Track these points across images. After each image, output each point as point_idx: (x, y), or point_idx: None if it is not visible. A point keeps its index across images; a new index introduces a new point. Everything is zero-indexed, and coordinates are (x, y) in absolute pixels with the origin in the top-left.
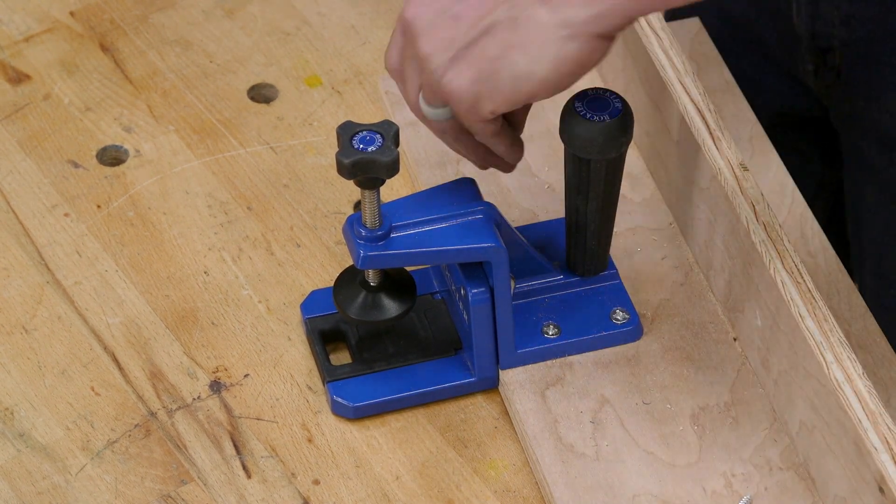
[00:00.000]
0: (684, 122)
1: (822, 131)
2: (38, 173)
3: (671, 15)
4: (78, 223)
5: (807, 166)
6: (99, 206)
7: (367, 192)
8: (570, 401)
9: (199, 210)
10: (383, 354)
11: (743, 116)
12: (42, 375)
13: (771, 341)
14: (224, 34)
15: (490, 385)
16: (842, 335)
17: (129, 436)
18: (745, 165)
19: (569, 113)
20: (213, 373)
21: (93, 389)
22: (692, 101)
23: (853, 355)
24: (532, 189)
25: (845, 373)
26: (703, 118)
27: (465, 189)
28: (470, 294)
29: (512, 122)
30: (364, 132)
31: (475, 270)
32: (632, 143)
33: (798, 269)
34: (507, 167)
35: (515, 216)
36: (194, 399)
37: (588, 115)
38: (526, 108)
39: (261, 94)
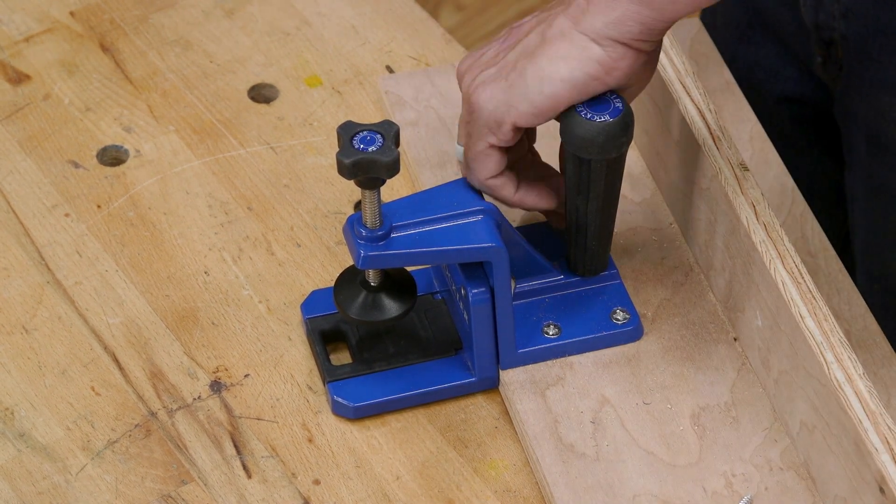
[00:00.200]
0: (684, 122)
1: (834, 125)
2: (38, 173)
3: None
4: (78, 223)
5: (819, 162)
6: (99, 206)
7: (367, 192)
8: (571, 401)
9: (199, 210)
10: (383, 354)
11: (743, 116)
12: (42, 375)
13: (771, 341)
14: (224, 34)
15: (490, 385)
16: (842, 335)
17: (130, 436)
18: (745, 165)
19: (569, 113)
20: (214, 373)
21: (93, 389)
22: (692, 101)
23: (853, 355)
24: None
25: (846, 373)
26: (703, 118)
27: (465, 189)
28: (470, 294)
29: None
30: (364, 132)
31: (475, 270)
32: (632, 143)
33: (798, 269)
34: (541, 203)
35: (515, 216)
36: (195, 399)
37: (588, 115)
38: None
39: (261, 94)
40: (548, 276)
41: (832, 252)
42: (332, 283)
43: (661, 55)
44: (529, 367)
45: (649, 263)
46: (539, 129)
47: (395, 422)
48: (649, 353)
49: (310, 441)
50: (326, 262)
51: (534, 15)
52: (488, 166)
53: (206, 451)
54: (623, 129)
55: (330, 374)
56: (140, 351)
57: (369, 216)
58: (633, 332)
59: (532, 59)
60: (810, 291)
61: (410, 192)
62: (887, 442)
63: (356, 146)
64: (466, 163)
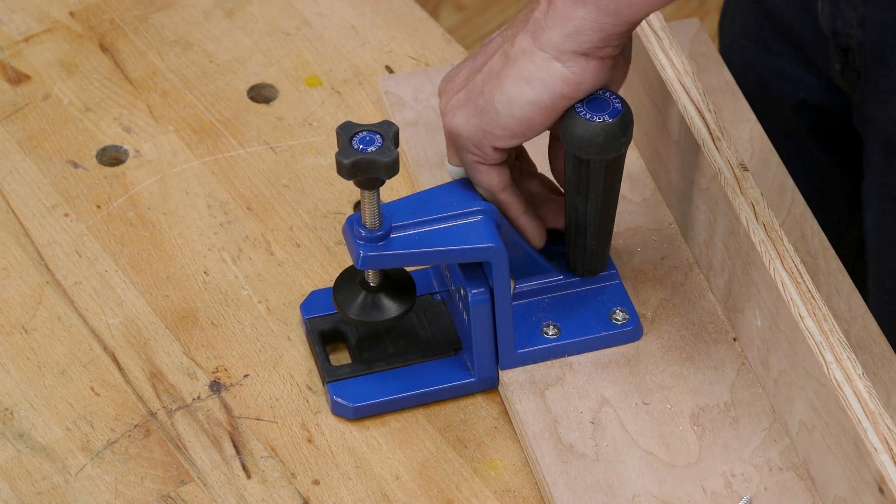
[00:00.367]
0: (684, 122)
1: (853, 134)
2: (38, 173)
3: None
4: (78, 223)
5: (836, 171)
6: (99, 206)
7: (366, 193)
8: (570, 401)
9: (198, 210)
10: (383, 355)
11: (743, 116)
12: (42, 375)
13: (771, 341)
14: (224, 34)
15: (490, 385)
16: (842, 335)
17: (129, 436)
18: (745, 165)
19: (569, 113)
20: (213, 373)
21: (93, 389)
22: (692, 101)
23: (853, 355)
24: None
25: (845, 373)
26: (703, 118)
27: (465, 189)
28: (470, 294)
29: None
30: (364, 132)
31: (475, 270)
32: (632, 143)
33: (798, 270)
34: (532, 239)
35: None
36: (194, 399)
37: (588, 116)
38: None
39: (261, 94)
40: (547, 277)
41: (832, 252)
42: (332, 284)
43: (661, 55)
44: (529, 367)
45: (649, 263)
46: None
47: (395, 422)
48: (649, 353)
49: (309, 441)
50: (326, 262)
51: (500, 31)
52: (491, 182)
53: (206, 452)
54: (622, 129)
55: (329, 375)
56: (139, 351)
57: (369, 216)
58: (632, 332)
59: (498, 82)
60: (810, 291)
61: (410, 193)
62: (886, 442)
63: (355, 146)
64: (474, 183)
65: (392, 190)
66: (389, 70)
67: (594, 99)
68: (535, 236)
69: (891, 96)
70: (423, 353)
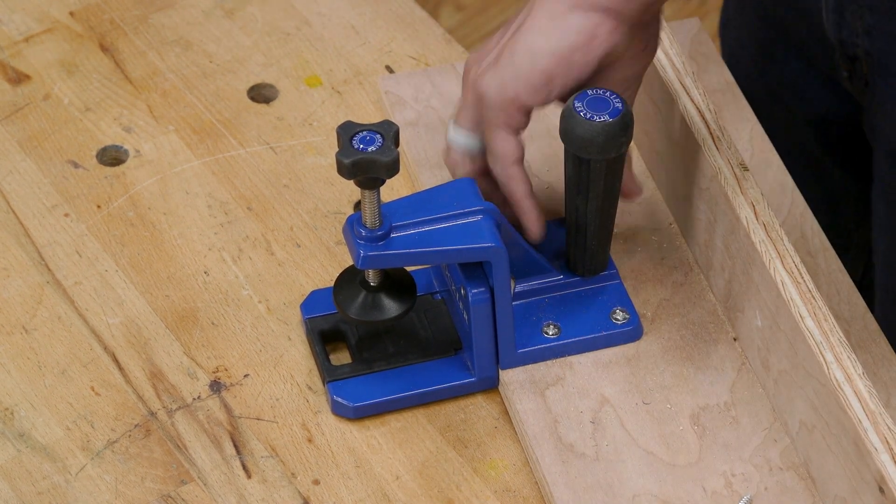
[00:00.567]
0: (684, 122)
1: (863, 143)
2: (38, 173)
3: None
4: (78, 223)
5: (846, 181)
6: (99, 206)
7: (367, 192)
8: (570, 401)
9: (199, 210)
10: (383, 354)
11: (743, 116)
12: (42, 375)
13: (771, 341)
14: (224, 34)
15: (490, 385)
16: (842, 335)
17: (129, 436)
18: (745, 165)
19: (569, 113)
20: (213, 373)
21: (93, 389)
22: (692, 101)
23: (853, 355)
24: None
25: (845, 373)
26: (703, 118)
27: (465, 189)
28: (470, 294)
29: None
30: (364, 132)
31: (475, 270)
32: (632, 143)
33: (798, 269)
34: (531, 226)
35: None
36: (194, 399)
37: (588, 115)
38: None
39: (261, 94)
40: (547, 276)
41: (832, 252)
42: (332, 283)
43: (661, 55)
44: (529, 366)
45: (649, 263)
46: (539, 129)
47: (395, 422)
48: (649, 353)
49: (309, 441)
50: (326, 262)
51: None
52: (507, 150)
53: (206, 451)
54: (623, 129)
55: (329, 374)
56: (140, 351)
57: (369, 216)
58: (632, 332)
59: (519, 35)
60: (810, 291)
61: (410, 192)
62: (887, 442)
63: (356, 146)
64: (489, 151)
65: (392, 190)
66: (389, 70)
67: (594, 99)
68: (534, 224)
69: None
70: (424, 353)
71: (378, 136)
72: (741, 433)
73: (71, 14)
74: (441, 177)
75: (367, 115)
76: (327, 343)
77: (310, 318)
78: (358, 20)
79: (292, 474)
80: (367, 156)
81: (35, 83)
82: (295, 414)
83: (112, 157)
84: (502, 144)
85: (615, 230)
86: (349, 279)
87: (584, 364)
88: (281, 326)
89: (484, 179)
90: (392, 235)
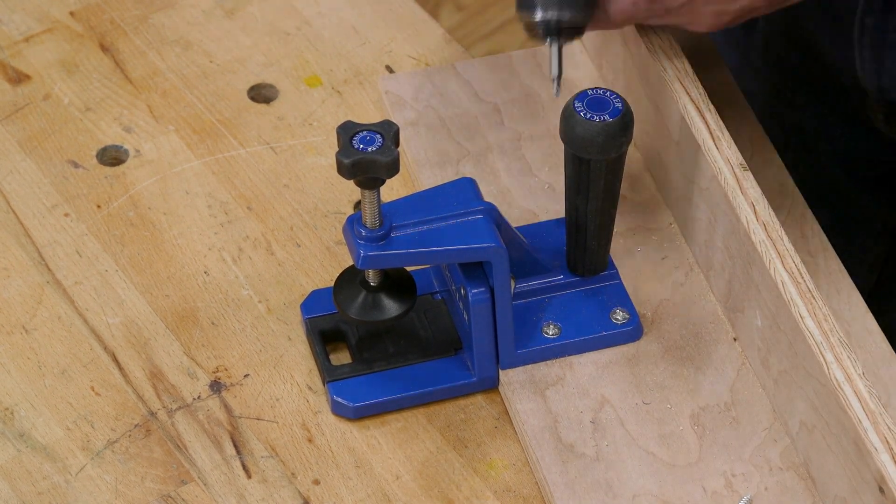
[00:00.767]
0: (684, 122)
1: (889, 177)
2: (38, 173)
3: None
4: (78, 223)
5: (872, 213)
6: (99, 206)
7: (367, 192)
8: (570, 401)
9: (199, 210)
10: (383, 354)
11: (743, 116)
12: (42, 375)
13: (771, 341)
14: (224, 34)
15: (490, 385)
16: (842, 335)
17: (129, 436)
18: (745, 165)
19: (569, 113)
20: (213, 373)
21: (93, 389)
22: (692, 101)
23: (853, 355)
24: (532, 189)
25: (845, 373)
26: (703, 118)
27: (465, 189)
28: (470, 294)
29: None
30: (364, 132)
31: (475, 270)
32: (632, 143)
33: (798, 269)
34: None
35: (515, 216)
36: (194, 399)
37: (588, 115)
38: None
39: (261, 94)
40: (547, 276)
41: (832, 252)
42: (332, 283)
43: (661, 55)
44: (529, 366)
45: (649, 263)
46: (539, 129)
47: (395, 422)
48: (649, 353)
49: (309, 441)
50: (326, 262)
51: None
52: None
53: (206, 451)
54: (623, 129)
55: (329, 374)
56: (140, 351)
57: (369, 216)
58: (632, 332)
59: None
60: (810, 291)
61: (410, 192)
62: (886, 442)
63: (356, 146)
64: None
65: (392, 190)
66: (389, 70)
67: (594, 99)
68: None
69: None
70: (424, 353)
71: (378, 136)
72: (741, 433)
73: (71, 14)
74: (441, 177)
75: (367, 115)
76: (327, 343)
77: (310, 318)
78: (358, 20)
79: (292, 474)
80: (367, 156)
81: (35, 83)
82: (295, 414)
83: (112, 157)
84: None
85: (615, 230)
86: (349, 279)
87: (584, 364)
88: (281, 326)
89: None
90: (392, 235)
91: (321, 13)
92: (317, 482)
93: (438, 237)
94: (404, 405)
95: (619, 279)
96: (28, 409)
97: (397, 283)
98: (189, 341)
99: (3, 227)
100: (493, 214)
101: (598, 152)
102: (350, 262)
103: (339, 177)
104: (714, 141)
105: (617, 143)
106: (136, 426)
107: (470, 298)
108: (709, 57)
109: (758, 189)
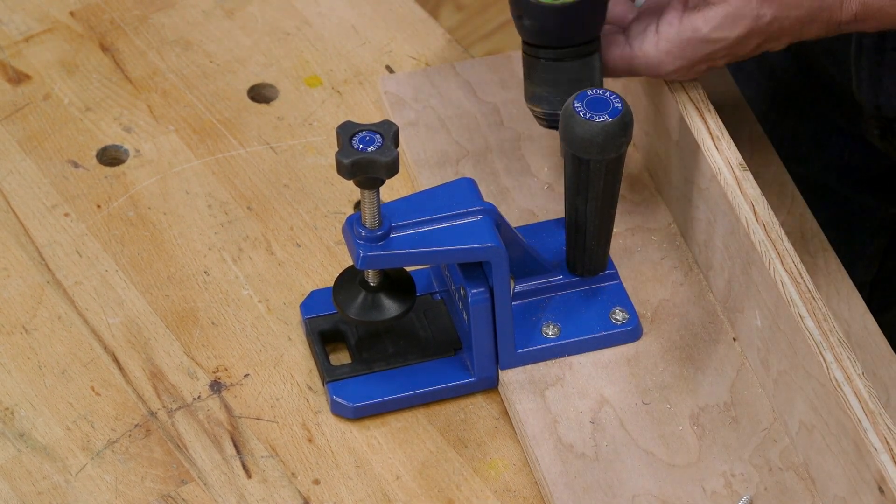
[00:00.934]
0: (684, 122)
1: (886, 175)
2: (38, 173)
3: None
4: (78, 223)
5: (870, 208)
6: (99, 206)
7: (366, 192)
8: (570, 401)
9: (199, 210)
10: (383, 354)
11: (743, 116)
12: (42, 375)
13: (771, 341)
14: (224, 34)
15: (490, 385)
16: (842, 335)
17: (130, 436)
18: (744, 165)
19: (569, 113)
20: (214, 373)
21: (93, 389)
22: (692, 101)
23: (853, 355)
24: (532, 189)
25: (845, 373)
26: (703, 118)
27: (465, 189)
28: (470, 294)
29: None
30: (364, 132)
31: (475, 270)
32: (631, 143)
33: (797, 269)
34: None
35: (515, 216)
36: (194, 399)
37: (588, 115)
38: None
39: (261, 94)
40: (547, 276)
41: (832, 252)
42: (332, 283)
43: None
44: (529, 367)
45: (649, 263)
46: (539, 129)
47: (395, 422)
48: (648, 353)
49: (310, 441)
50: (326, 262)
51: None
52: None
53: (206, 451)
54: (622, 129)
55: (329, 374)
56: (140, 351)
57: (368, 216)
58: (632, 332)
59: None
60: (809, 291)
61: (410, 192)
62: (886, 442)
63: (355, 146)
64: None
65: (392, 190)
66: (389, 70)
67: (594, 99)
68: None
69: None
70: (423, 353)
71: (378, 136)
72: (741, 433)
73: (71, 14)
74: (441, 177)
75: (367, 115)
76: (327, 343)
77: (310, 319)
78: (358, 20)
79: (292, 474)
80: (366, 156)
81: (35, 83)
82: (295, 414)
83: (112, 156)
84: None
85: (615, 230)
86: (349, 279)
87: (583, 364)
88: (281, 326)
89: None
90: (392, 235)
91: (321, 13)
92: (317, 482)
93: (438, 237)
94: (404, 405)
95: (619, 279)
96: (28, 409)
97: (397, 283)
98: (189, 341)
99: (3, 227)
100: (492, 214)
101: (598, 152)
102: (350, 262)
103: (339, 177)
104: (713, 141)
105: (616, 143)
106: (136, 426)
107: (469, 298)
108: None
109: (757, 189)
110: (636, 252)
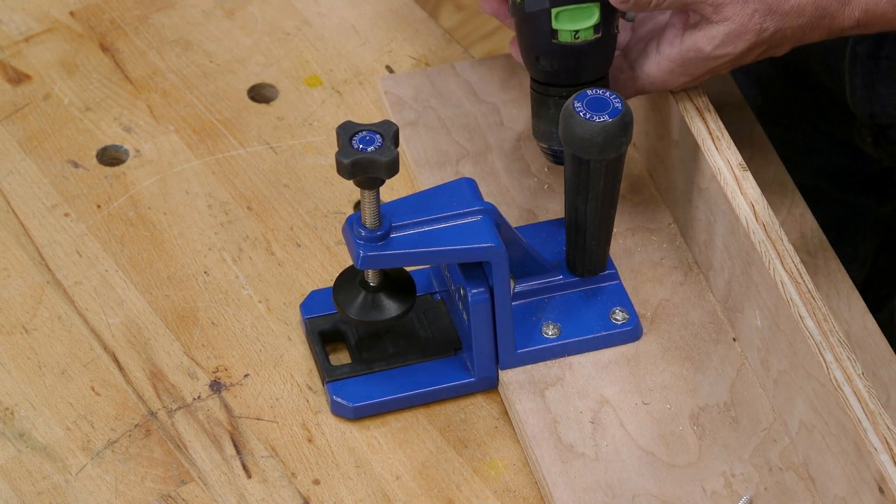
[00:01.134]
0: (684, 122)
1: (878, 177)
2: (38, 173)
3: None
4: (78, 223)
5: (862, 208)
6: (99, 206)
7: (366, 192)
8: (570, 401)
9: (199, 210)
10: (383, 354)
11: (743, 116)
12: (42, 375)
13: (770, 341)
14: (224, 34)
15: (490, 385)
16: (841, 335)
17: (130, 436)
18: (744, 165)
19: (569, 113)
20: (214, 373)
21: (93, 389)
22: (692, 101)
23: (853, 355)
24: (532, 189)
25: (845, 373)
26: (703, 118)
27: (465, 189)
28: (470, 294)
29: None
30: (364, 132)
31: (475, 270)
32: (632, 143)
33: (797, 269)
34: None
35: (515, 216)
36: (194, 399)
37: (588, 116)
38: None
39: (261, 94)
40: (547, 277)
41: (832, 252)
42: (332, 283)
43: None
44: (529, 367)
45: (648, 263)
46: None
47: (395, 422)
48: (648, 353)
49: (309, 441)
50: (326, 262)
51: None
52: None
53: (206, 451)
54: (622, 129)
55: (329, 375)
56: (140, 351)
57: (368, 216)
58: (632, 332)
59: None
60: (809, 291)
61: (410, 192)
62: (886, 442)
63: (355, 146)
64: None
65: (392, 190)
66: (389, 70)
67: (594, 99)
68: None
69: None
70: (423, 353)
71: (378, 136)
72: (741, 433)
73: (71, 14)
74: (441, 177)
75: (367, 115)
76: (327, 343)
77: (310, 319)
78: (358, 20)
79: (292, 474)
80: (366, 156)
81: (35, 83)
82: (295, 414)
83: (112, 156)
84: None
85: (615, 230)
86: (349, 279)
87: (583, 364)
88: (281, 326)
89: None
90: (392, 235)
91: (321, 13)
92: (317, 482)
93: (438, 237)
94: (404, 405)
95: (619, 279)
96: (28, 409)
97: (397, 283)
98: (189, 341)
99: (3, 227)
100: (492, 214)
101: (598, 152)
102: (350, 262)
103: (339, 177)
104: (713, 141)
105: (616, 143)
106: (136, 426)
107: (469, 299)
108: None
109: (757, 189)
110: (636, 252)
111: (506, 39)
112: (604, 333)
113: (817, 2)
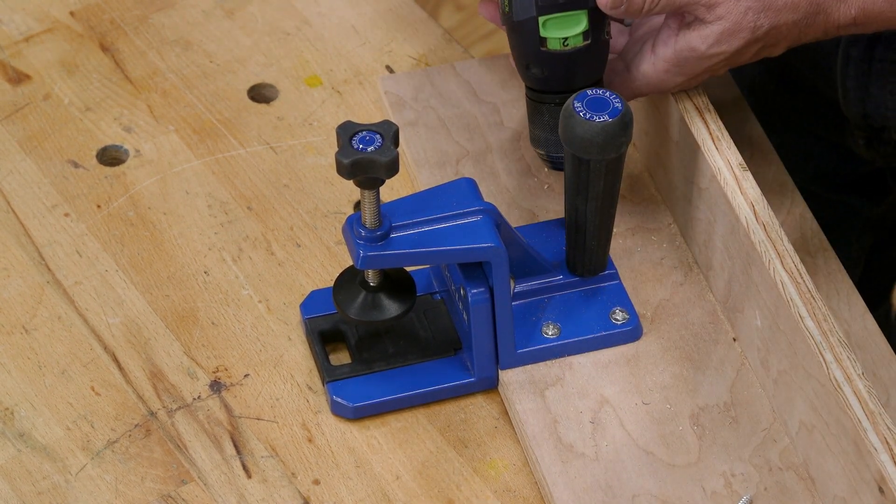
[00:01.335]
0: (684, 122)
1: (870, 177)
2: (38, 173)
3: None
4: (78, 223)
5: (854, 208)
6: (99, 206)
7: (366, 192)
8: (570, 401)
9: (199, 210)
10: (383, 354)
11: (742, 116)
12: (42, 375)
13: (770, 341)
14: (224, 34)
15: (490, 385)
16: (841, 335)
17: (130, 436)
18: (744, 165)
19: (568, 113)
20: (214, 373)
21: (93, 389)
22: (692, 101)
23: (853, 355)
24: (532, 189)
25: (845, 373)
26: (703, 118)
27: (465, 189)
28: (470, 294)
29: None
30: (364, 132)
31: (475, 270)
32: (632, 143)
33: (797, 269)
34: None
35: (515, 216)
36: (194, 399)
37: (588, 116)
38: None
39: (261, 94)
40: (547, 276)
41: (832, 252)
42: (332, 283)
43: None
44: (529, 367)
45: (649, 263)
46: None
47: (395, 422)
48: (648, 353)
49: (309, 441)
50: (326, 262)
51: None
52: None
53: (206, 451)
54: (622, 129)
55: (329, 375)
56: (140, 351)
57: (368, 216)
58: (632, 332)
59: None
60: (809, 291)
61: (410, 192)
62: (886, 442)
63: (355, 146)
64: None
65: (392, 190)
66: (389, 70)
67: (594, 99)
68: None
69: None
70: (423, 353)
71: (378, 136)
72: (741, 433)
73: (71, 14)
74: (441, 177)
75: (367, 115)
76: (327, 343)
77: (310, 319)
78: (358, 20)
79: (292, 474)
80: (366, 156)
81: (35, 83)
82: (295, 414)
83: (112, 156)
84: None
85: (615, 230)
86: (349, 279)
87: (583, 364)
88: (281, 326)
89: None
90: (392, 235)
91: (321, 13)
92: (317, 482)
93: (438, 237)
94: (404, 405)
95: (619, 279)
96: (28, 409)
97: (397, 283)
98: (189, 341)
99: (3, 227)
100: (492, 215)
101: (598, 152)
102: (350, 262)
103: (339, 177)
104: (713, 141)
105: (616, 143)
106: (136, 426)
107: (469, 298)
108: None
109: (757, 189)
110: (636, 252)
111: (506, 40)
112: (604, 333)
113: None
